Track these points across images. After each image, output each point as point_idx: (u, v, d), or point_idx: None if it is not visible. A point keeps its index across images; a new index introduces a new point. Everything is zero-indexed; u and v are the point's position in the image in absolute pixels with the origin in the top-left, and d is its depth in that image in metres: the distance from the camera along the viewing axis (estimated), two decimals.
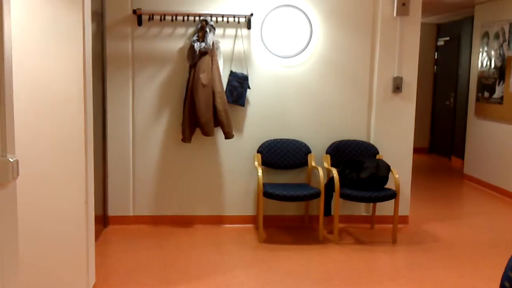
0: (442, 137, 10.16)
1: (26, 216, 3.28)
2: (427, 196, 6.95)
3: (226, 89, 5.17)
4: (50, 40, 2.95)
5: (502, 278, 1.95)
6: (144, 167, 5.33)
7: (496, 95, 7.24)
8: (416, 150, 10.57)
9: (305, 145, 5.38)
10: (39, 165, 3.03)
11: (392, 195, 4.90)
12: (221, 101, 5.02)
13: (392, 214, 5.07)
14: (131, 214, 5.35)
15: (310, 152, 5.37)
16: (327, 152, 5.37)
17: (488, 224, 5.68)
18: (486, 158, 7.51)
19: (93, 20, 4.57)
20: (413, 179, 8.02)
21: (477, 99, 7.79)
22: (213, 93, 4.98)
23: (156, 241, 4.90)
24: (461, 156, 9.10)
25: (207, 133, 5.00)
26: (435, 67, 10.54)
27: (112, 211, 5.32)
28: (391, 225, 5.40)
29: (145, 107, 5.26)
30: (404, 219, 5.58)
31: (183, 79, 5.21)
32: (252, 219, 5.47)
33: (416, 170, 8.81)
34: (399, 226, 5.48)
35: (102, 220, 5.17)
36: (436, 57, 10.50)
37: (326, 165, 5.29)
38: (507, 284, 1.93)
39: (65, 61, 3.22)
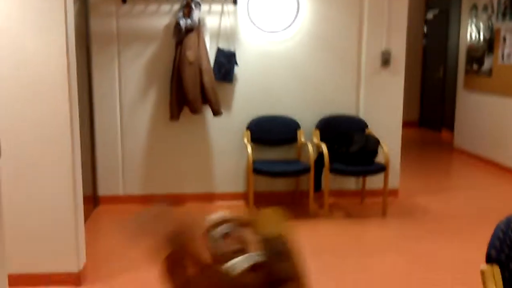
0: (432, 111, 10.18)
1: (11, 198, 3.26)
2: (417, 170, 6.98)
3: (213, 66, 5.12)
4: (29, 20, 2.90)
5: (488, 246, 1.96)
6: (132, 146, 5.31)
7: (485, 67, 7.24)
8: (405, 124, 10.59)
9: (294, 121, 5.36)
10: (23, 146, 3.00)
11: (382, 168, 4.91)
12: (209, 78, 4.97)
13: (382, 187, 5.09)
14: (121, 193, 5.34)
15: (299, 127, 5.35)
16: (316, 127, 5.36)
17: (478, 196, 5.72)
18: (476, 131, 7.54)
19: None
20: (403, 152, 8.05)
21: (466, 72, 7.79)
22: (200, 70, 4.94)
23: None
24: (451, 129, 9.13)
25: (195, 110, 4.97)
26: (424, 40, 10.51)
27: (102, 191, 5.31)
28: (381, 199, 5.43)
29: (131, 86, 5.21)
30: (394, 193, 5.61)
31: (170, 57, 5.15)
32: (243, 196, 5.48)
33: (406, 143, 8.84)
34: (389, 200, 5.51)
35: (92, 200, 5.15)
36: (425, 30, 10.46)
37: (315, 140, 5.28)
38: (493, 252, 1.94)
39: (47, 41, 3.16)
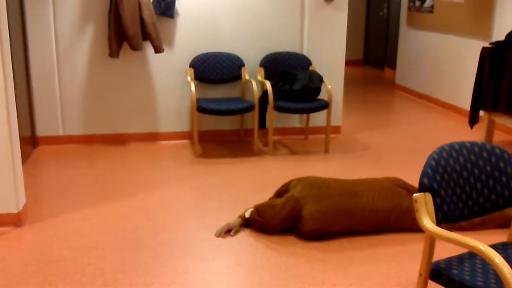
0: (376, 49, 10.28)
1: None
2: (360, 107, 7.11)
3: (153, 0, 4.93)
4: None
5: (421, 175, 2.03)
6: (71, 85, 5.12)
7: (427, 3, 7.31)
8: (350, 63, 10.71)
9: (238, 58, 5.29)
10: None
11: (325, 105, 4.96)
12: (149, 12, 4.80)
13: (325, 124, 5.16)
14: (61, 134, 5.19)
15: (243, 65, 5.30)
16: (260, 65, 5.32)
17: (417, 131, 5.90)
18: (417, 68, 7.69)
19: None
20: (347, 91, 8.17)
21: (409, 9, 7.85)
22: (139, 4, 4.75)
23: (88, 160, 4.81)
24: (394, 67, 9.29)
25: (135, 47, 4.81)
26: None
27: (40, 132, 5.14)
28: (324, 136, 5.53)
29: (67, 21, 4.97)
30: (336, 129, 5.71)
31: None
32: (187, 135, 5.44)
33: (350, 82, 8.96)
34: (332, 136, 5.62)
35: (31, 141, 4.99)
36: None
37: (259, 78, 5.25)
38: (425, 181, 2.01)
39: None
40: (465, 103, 6.53)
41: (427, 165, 2.04)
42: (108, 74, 5.16)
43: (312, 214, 3.26)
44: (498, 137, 5.70)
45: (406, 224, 3.38)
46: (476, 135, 5.73)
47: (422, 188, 2.00)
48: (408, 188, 3.49)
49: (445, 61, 6.95)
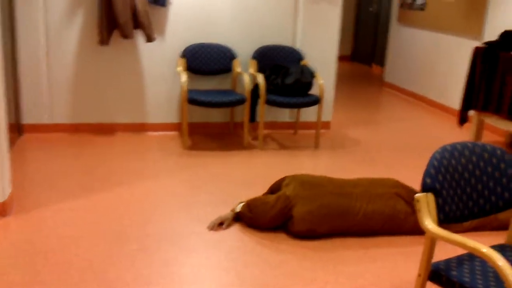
0: (364, 45, 10.28)
1: None
2: (348, 103, 7.09)
3: None
4: None
5: (423, 175, 2.00)
6: (59, 72, 5.01)
7: (419, 1, 7.31)
8: (339, 58, 10.70)
9: (230, 50, 5.23)
10: None
11: (316, 100, 4.93)
12: (141, 0, 4.70)
13: (315, 120, 5.13)
14: (48, 122, 5.08)
15: (235, 57, 5.24)
16: (252, 57, 5.26)
17: (405, 129, 5.91)
18: (406, 65, 7.70)
19: None
20: (336, 86, 8.15)
21: (401, 6, 7.84)
22: None
23: (75, 149, 4.71)
24: (382, 63, 9.30)
25: (126, 35, 4.72)
26: None
27: (26, 119, 5.03)
28: (314, 131, 5.50)
29: (57, 7, 4.85)
30: (326, 125, 5.68)
31: None
32: (177, 127, 5.37)
33: (338, 77, 8.95)
34: (322, 131, 5.59)
35: (16, 128, 4.88)
36: None
37: (251, 70, 5.20)
38: (428, 181, 1.99)
39: None
40: (454, 102, 6.55)
41: (430, 165, 2.01)
42: (98, 62, 5.06)
43: (302, 215, 3.23)
44: (486, 137, 5.73)
45: (402, 231, 3.35)
46: (464, 134, 5.75)
47: (424, 188, 1.98)
48: (406, 200, 3.40)
49: (435, 60, 6.96)
